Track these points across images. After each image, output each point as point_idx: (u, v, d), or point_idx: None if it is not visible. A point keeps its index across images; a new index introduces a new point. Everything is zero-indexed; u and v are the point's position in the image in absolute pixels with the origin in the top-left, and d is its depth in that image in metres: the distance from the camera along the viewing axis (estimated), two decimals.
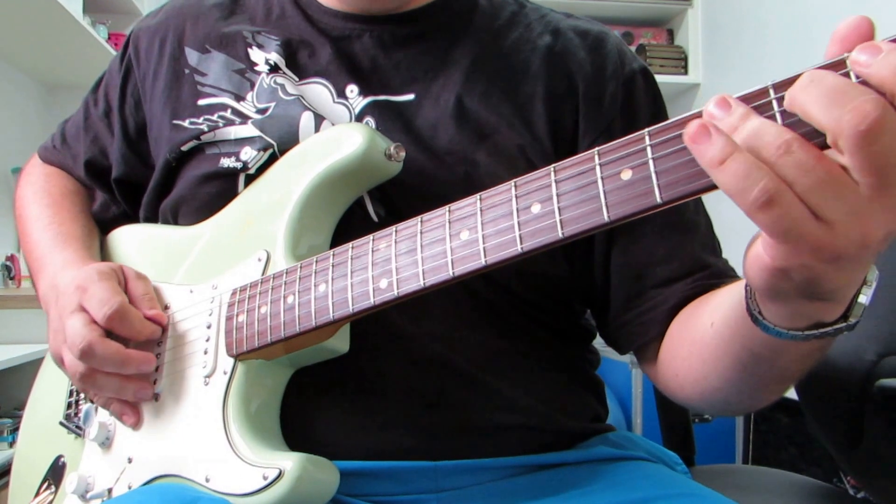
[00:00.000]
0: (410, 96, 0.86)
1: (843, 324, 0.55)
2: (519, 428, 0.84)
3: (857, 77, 0.43)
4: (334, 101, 0.87)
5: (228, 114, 0.88)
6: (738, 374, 0.70)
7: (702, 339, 0.73)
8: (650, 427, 2.59)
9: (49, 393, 1.00)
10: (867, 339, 0.99)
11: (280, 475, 0.68)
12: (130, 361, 0.79)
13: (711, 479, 1.05)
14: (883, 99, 0.41)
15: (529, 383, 0.85)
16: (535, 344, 0.87)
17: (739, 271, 0.85)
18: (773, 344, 0.60)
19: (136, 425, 0.82)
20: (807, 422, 1.18)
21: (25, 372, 2.12)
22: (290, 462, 0.69)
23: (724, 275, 0.84)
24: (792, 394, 1.04)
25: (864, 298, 0.54)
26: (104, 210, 1.06)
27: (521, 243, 0.58)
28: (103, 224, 1.06)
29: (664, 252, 0.84)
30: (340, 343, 0.76)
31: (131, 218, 1.02)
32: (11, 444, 2.19)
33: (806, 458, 2.59)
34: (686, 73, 3.63)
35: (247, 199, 0.85)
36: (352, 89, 0.87)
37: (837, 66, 0.44)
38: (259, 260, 0.79)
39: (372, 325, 0.76)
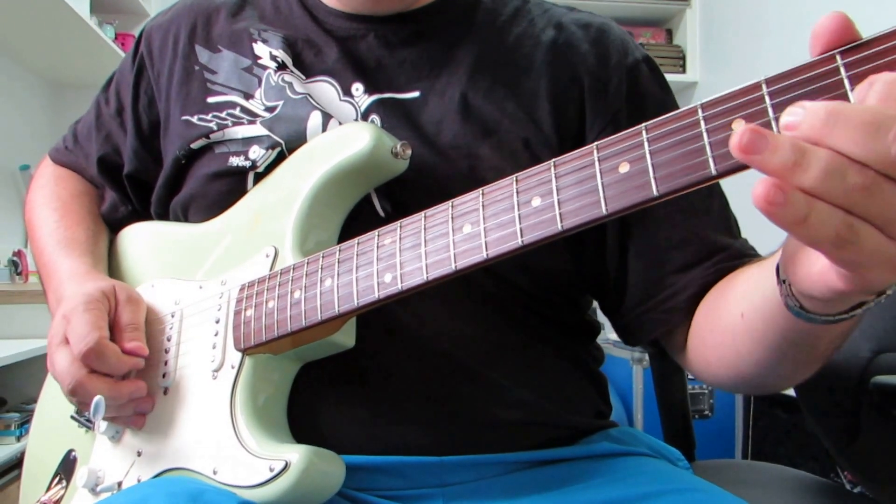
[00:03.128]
0: (415, 94, 0.87)
1: (883, 296, 0.53)
2: (523, 424, 0.84)
3: (849, 80, 0.44)
4: (340, 99, 0.87)
5: (237, 112, 0.89)
6: (776, 361, 0.69)
7: (733, 330, 0.73)
8: (651, 423, 2.59)
9: (59, 388, 1.01)
10: (862, 337, 0.99)
11: (286, 467, 0.69)
12: (119, 396, 0.79)
13: (711, 473, 1.05)
14: None
15: (534, 379, 0.86)
16: (539, 339, 0.88)
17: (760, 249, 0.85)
18: (814, 330, 0.60)
19: (144, 426, 0.84)
20: (804, 418, 1.19)
21: (33, 367, 2.12)
22: (296, 454, 0.69)
23: (744, 255, 0.84)
24: (790, 390, 1.05)
25: None
26: (113, 211, 1.07)
27: (522, 236, 0.58)
28: (113, 225, 1.07)
29: (679, 237, 0.84)
30: (346, 338, 0.77)
31: (141, 217, 1.03)
32: (20, 439, 2.19)
33: (803, 454, 2.59)
34: (684, 71, 3.68)
35: (255, 197, 0.86)
36: (357, 87, 0.87)
37: (827, 61, 0.45)
38: (267, 256, 0.80)
39: (377, 320, 0.77)
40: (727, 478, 1.14)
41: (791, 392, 1.07)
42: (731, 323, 0.73)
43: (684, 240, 0.84)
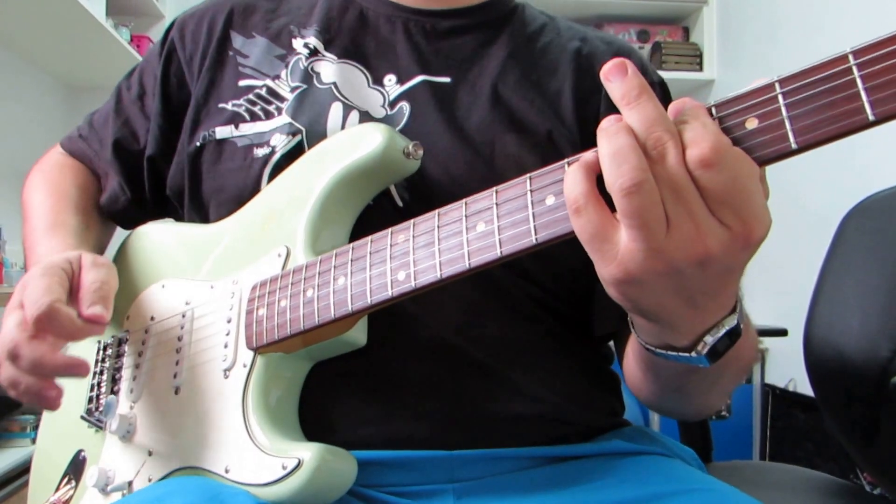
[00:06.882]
0: (447, 79, 0.91)
1: (689, 354, 0.59)
2: (535, 419, 0.84)
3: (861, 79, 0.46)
4: (369, 86, 0.90)
5: (264, 93, 0.91)
6: (643, 378, 0.78)
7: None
8: (668, 423, 2.58)
9: (69, 388, 1.01)
10: (882, 336, 0.99)
11: (299, 465, 0.69)
12: (52, 363, 0.74)
13: (728, 474, 1.05)
14: (647, 166, 0.49)
15: (546, 375, 0.86)
16: (552, 336, 0.88)
17: None
18: (648, 354, 0.65)
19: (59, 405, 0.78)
20: (823, 418, 1.18)
21: None
22: (308, 452, 0.70)
23: None
24: (808, 390, 1.04)
25: (709, 339, 0.59)
26: (113, 202, 1.06)
27: (536, 234, 0.59)
28: (112, 216, 1.07)
29: None
30: (359, 335, 0.77)
31: (141, 207, 1.04)
32: (35, 441, 2.20)
33: (822, 455, 2.58)
34: (701, 69, 3.71)
35: (268, 196, 0.86)
36: (390, 78, 0.91)
37: (840, 61, 0.47)
38: (279, 255, 0.80)
39: (389, 316, 0.77)
40: (744, 478, 1.14)
41: (810, 392, 1.07)
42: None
43: None
